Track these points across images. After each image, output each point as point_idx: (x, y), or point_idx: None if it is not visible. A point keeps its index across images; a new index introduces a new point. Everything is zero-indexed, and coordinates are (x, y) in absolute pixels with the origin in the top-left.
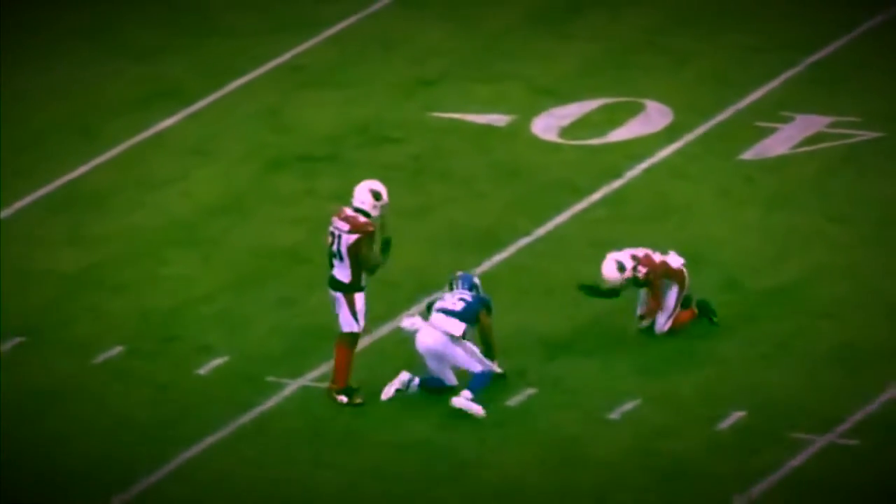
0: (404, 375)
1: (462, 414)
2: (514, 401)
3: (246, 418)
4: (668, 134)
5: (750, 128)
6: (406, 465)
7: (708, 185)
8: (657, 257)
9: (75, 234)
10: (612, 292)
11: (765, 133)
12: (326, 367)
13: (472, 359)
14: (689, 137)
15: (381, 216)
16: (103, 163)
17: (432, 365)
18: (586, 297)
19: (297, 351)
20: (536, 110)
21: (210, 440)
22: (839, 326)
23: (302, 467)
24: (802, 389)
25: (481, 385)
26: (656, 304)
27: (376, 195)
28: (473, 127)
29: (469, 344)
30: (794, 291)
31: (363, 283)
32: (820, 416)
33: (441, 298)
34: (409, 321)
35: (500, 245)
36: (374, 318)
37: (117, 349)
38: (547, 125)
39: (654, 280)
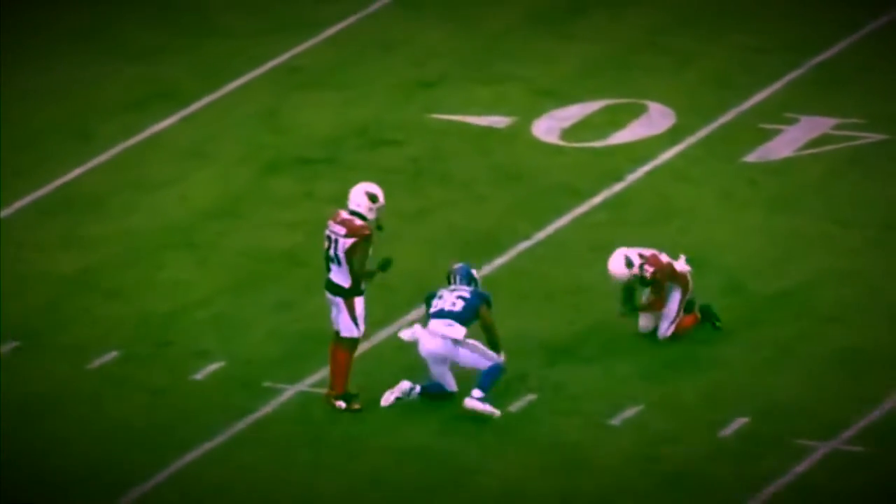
0: (405, 384)
1: (462, 419)
2: (514, 406)
3: (243, 424)
4: (671, 136)
5: (753, 130)
6: (406, 472)
7: (711, 188)
8: (664, 258)
9: (71, 236)
10: (630, 298)
11: (769, 135)
12: (325, 373)
13: (478, 357)
14: (692, 140)
15: (378, 219)
16: (99, 165)
17: (435, 370)
18: (630, 312)
19: (294, 356)
20: (537, 112)
21: (207, 446)
22: (844, 331)
23: (300, 473)
24: (806, 395)
25: (491, 381)
26: (660, 303)
27: (372, 197)
28: (473, 129)
29: (472, 342)
30: (798, 295)
31: (363, 287)
32: (824, 421)
33: (439, 296)
34: (409, 332)
35: (499, 249)
36: (373, 322)
37: (113, 354)
38: (548, 127)
39: (660, 280)
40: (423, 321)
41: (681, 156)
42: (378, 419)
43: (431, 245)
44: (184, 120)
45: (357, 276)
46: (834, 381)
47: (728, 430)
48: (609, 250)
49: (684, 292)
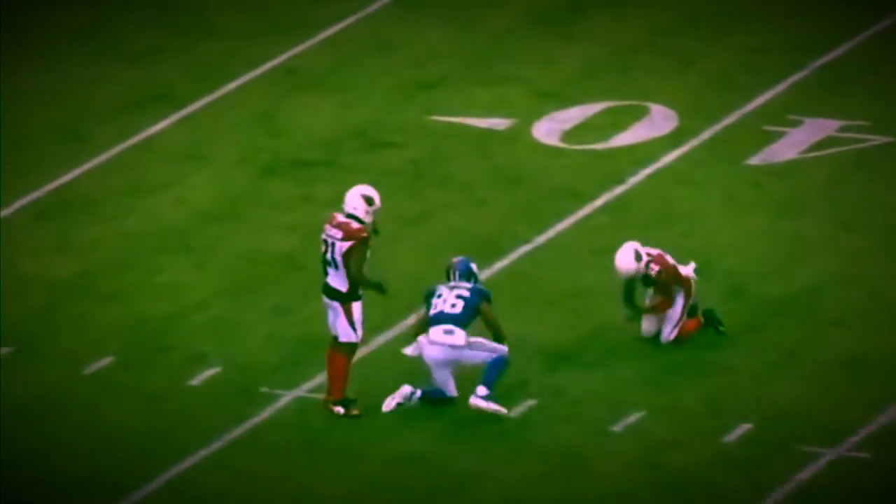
0: (406, 389)
1: (462, 425)
2: (514, 412)
3: (240, 430)
4: (673, 138)
5: (757, 132)
6: (405, 479)
7: (714, 191)
8: (669, 259)
9: (65, 240)
10: (631, 299)
11: (772, 137)
12: (322, 378)
13: (484, 353)
14: (695, 142)
15: (374, 222)
16: (94, 168)
17: (438, 376)
18: (634, 314)
19: (292, 361)
20: (538, 114)
21: (203, 453)
22: (849, 336)
23: (297, 481)
24: (811, 400)
25: (496, 375)
26: (667, 304)
27: (368, 200)
28: (473, 131)
29: (474, 340)
30: (802, 300)
31: (360, 291)
32: (829, 427)
33: (438, 294)
34: (412, 348)
35: (500, 252)
36: (372, 327)
37: (108, 359)
38: (548, 129)
39: (665, 280)
40: (424, 322)
41: (683, 158)
42: (377, 425)
43: (431, 249)
44: (180, 122)
45: (353, 279)
46: (839, 387)
47: (731, 437)
48: (611, 254)
49: (687, 296)
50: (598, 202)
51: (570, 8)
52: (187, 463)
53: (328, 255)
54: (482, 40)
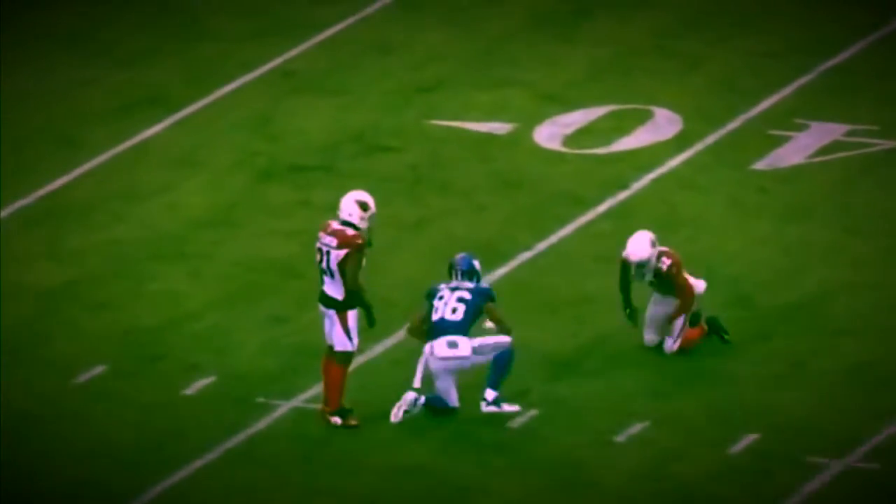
0: (410, 395)
1: (462, 437)
2: (516, 423)
3: (235, 441)
4: (677, 142)
5: (763, 136)
6: (404, 490)
7: (719, 197)
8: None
9: (56, 247)
10: (629, 300)
11: (778, 142)
12: (319, 388)
13: (490, 352)
14: (699, 146)
15: (370, 228)
16: (85, 173)
17: (441, 384)
18: (632, 318)
19: (288, 370)
20: (539, 118)
21: (197, 464)
22: (857, 344)
23: (294, 492)
24: (818, 411)
25: (502, 373)
26: (689, 288)
27: (363, 206)
28: (473, 135)
29: (478, 344)
30: (809, 308)
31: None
32: (837, 438)
33: (440, 296)
34: (418, 375)
35: (500, 259)
36: (369, 335)
37: (100, 368)
38: (550, 133)
39: (676, 274)
40: (424, 321)
41: (688, 163)
42: (375, 436)
43: (430, 255)
44: (174, 126)
45: (349, 286)
46: (847, 396)
47: (737, 448)
48: (614, 261)
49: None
50: (601, 208)
51: (572, 10)
52: (181, 474)
53: (323, 264)
54: (483, 42)
